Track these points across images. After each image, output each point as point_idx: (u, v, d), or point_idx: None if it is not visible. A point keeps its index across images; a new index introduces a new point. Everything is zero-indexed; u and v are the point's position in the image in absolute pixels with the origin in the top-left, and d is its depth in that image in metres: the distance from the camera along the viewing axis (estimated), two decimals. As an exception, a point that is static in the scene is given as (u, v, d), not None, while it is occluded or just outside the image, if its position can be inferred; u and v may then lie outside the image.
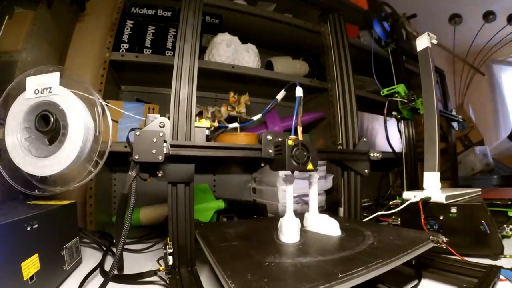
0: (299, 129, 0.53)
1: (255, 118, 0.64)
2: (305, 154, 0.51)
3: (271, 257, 0.40)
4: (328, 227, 0.53)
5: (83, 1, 1.06)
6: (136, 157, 0.46)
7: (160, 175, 0.49)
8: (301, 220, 0.57)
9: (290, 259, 0.40)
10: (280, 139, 0.54)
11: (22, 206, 0.54)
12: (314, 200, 0.58)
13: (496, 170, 1.58)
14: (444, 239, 0.45)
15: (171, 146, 0.48)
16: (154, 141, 0.47)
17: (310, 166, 0.52)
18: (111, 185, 1.17)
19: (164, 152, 0.47)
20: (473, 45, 2.17)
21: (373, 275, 0.34)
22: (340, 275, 0.32)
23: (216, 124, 0.56)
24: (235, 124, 0.59)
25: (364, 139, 0.72)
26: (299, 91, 0.55)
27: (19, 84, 0.60)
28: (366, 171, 0.70)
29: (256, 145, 0.55)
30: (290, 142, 0.50)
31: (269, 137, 0.54)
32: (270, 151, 0.54)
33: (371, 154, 0.70)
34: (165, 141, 0.48)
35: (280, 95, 0.67)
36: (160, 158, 0.47)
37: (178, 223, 0.51)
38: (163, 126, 0.49)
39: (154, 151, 0.46)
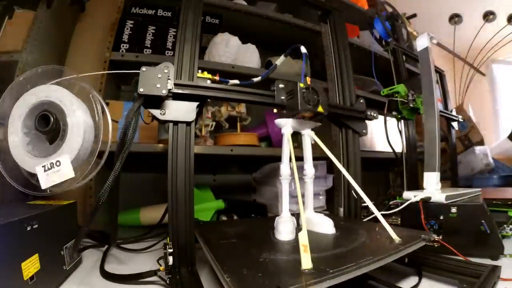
0: (308, 79, 0.56)
1: (256, 80, 0.65)
2: (315, 97, 0.55)
3: (266, 254, 0.41)
4: (323, 225, 0.54)
5: (83, 1, 1.06)
6: (141, 90, 0.48)
7: (162, 113, 0.50)
8: (297, 219, 0.57)
9: (284, 256, 0.41)
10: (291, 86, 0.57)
11: (22, 206, 0.54)
12: (310, 199, 0.59)
13: (496, 170, 1.58)
14: (436, 237, 0.46)
15: (175, 85, 0.50)
16: (159, 76, 0.49)
17: (320, 109, 0.56)
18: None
19: (168, 88, 0.49)
20: (473, 45, 2.17)
21: (363, 271, 0.35)
22: (331, 271, 0.33)
23: (217, 78, 0.56)
24: (236, 81, 0.60)
25: (361, 100, 0.73)
26: (303, 49, 0.61)
27: (19, 84, 0.60)
28: (364, 131, 0.72)
29: (267, 92, 0.58)
30: (301, 85, 0.54)
31: (281, 85, 0.57)
32: (283, 97, 0.56)
33: (368, 113, 0.71)
34: (169, 79, 0.50)
35: (280, 60, 0.70)
36: (163, 92, 0.48)
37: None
38: (168, 68, 0.51)
39: (158, 85, 0.48)
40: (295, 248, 0.44)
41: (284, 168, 0.55)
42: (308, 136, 0.58)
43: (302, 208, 0.46)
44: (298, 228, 0.53)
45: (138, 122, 0.50)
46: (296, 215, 0.56)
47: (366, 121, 0.74)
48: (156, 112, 0.50)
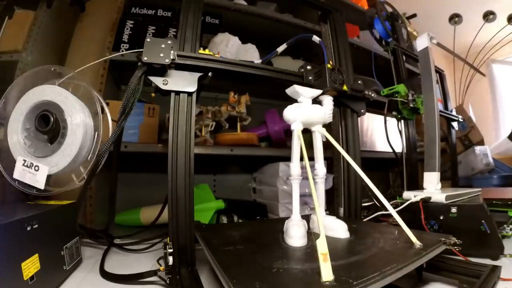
0: (331, 62, 0.64)
1: (256, 62, 0.67)
2: (340, 77, 0.62)
3: (279, 263, 0.37)
4: (336, 229, 0.50)
5: (83, 1, 1.06)
6: (145, 58, 0.49)
7: (164, 83, 0.51)
8: (307, 221, 0.54)
9: (299, 265, 0.38)
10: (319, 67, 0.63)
11: (22, 206, 0.54)
12: (322, 201, 0.56)
13: (496, 170, 1.57)
14: (456, 241, 0.44)
15: (178, 56, 0.52)
16: (163, 47, 0.51)
17: (345, 87, 0.63)
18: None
19: (171, 57, 0.50)
20: (473, 45, 2.17)
21: (388, 281, 0.32)
22: (355, 282, 0.30)
23: (218, 55, 0.57)
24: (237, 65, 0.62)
25: (359, 81, 0.73)
26: (316, 38, 0.71)
27: (19, 85, 0.60)
28: (362, 110, 0.74)
29: (295, 72, 0.64)
30: (329, 66, 0.61)
31: (309, 67, 0.64)
32: (310, 77, 0.62)
33: (366, 92, 0.72)
34: (172, 49, 0.51)
35: (281, 48, 0.74)
36: (166, 61, 0.50)
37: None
38: (171, 40, 0.53)
39: (161, 55, 0.50)
40: (310, 256, 0.41)
41: (295, 167, 0.51)
42: (319, 133, 0.55)
43: (319, 211, 0.42)
44: (309, 232, 0.51)
45: (140, 90, 0.51)
46: (306, 217, 0.54)
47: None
48: (159, 82, 0.51)
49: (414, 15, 1.40)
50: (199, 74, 0.54)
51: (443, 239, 0.44)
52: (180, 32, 0.56)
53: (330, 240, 0.47)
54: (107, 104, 0.69)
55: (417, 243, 0.42)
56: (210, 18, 1.20)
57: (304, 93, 0.55)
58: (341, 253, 0.43)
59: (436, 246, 0.42)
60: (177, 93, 0.53)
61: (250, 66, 0.59)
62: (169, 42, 0.51)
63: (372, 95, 0.73)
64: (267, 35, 1.29)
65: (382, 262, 0.36)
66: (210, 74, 0.56)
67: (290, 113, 0.52)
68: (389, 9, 1.10)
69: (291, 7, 1.37)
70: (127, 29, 1.05)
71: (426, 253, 0.39)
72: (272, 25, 1.24)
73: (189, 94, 0.53)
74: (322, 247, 0.33)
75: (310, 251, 0.44)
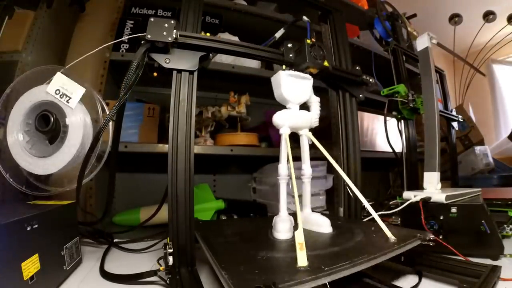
0: (313, 39, 0.61)
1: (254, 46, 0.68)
2: (321, 53, 0.60)
3: (264, 252, 0.42)
4: (320, 224, 0.54)
5: (83, 2, 1.06)
6: (149, 36, 0.51)
7: (167, 61, 0.53)
8: (295, 218, 0.57)
9: (281, 254, 0.43)
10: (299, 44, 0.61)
11: (22, 206, 0.54)
12: (308, 199, 0.60)
13: (496, 170, 1.57)
14: (432, 237, 0.46)
15: (180, 35, 0.53)
16: (166, 26, 0.52)
17: (326, 63, 0.61)
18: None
19: (174, 36, 0.52)
20: (473, 45, 2.17)
21: (357, 269, 0.36)
22: (326, 268, 0.34)
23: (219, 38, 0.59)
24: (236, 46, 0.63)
25: (357, 67, 0.74)
26: (305, 18, 0.69)
27: (19, 85, 0.60)
28: (361, 95, 0.74)
29: (276, 50, 0.62)
30: (308, 41, 0.59)
31: (290, 45, 0.61)
32: (291, 55, 0.61)
33: (364, 77, 0.73)
34: (175, 29, 0.52)
35: (279, 33, 0.74)
36: (169, 39, 0.51)
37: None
38: (174, 21, 0.54)
39: (164, 33, 0.51)
40: (292, 247, 0.44)
41: (282, 168, 0.55)
42: (306, 136, 0.59)
43: (299, 207, 0.47)
44: (296, 227, 0.54)
45: (143, 66, 0.52)
46: (294, 214, 0.56)
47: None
48: (161, 60, 0.52)
49: (414, 15, 1.40)
50: (201, 53, 0.55)
51: (418, 234, 0.47)
52: (181, 29, 0.57)
53: (314, 234, 0.53)
54: (107, 104, 0.69)
55: (391, 237, 0.46)
56: (210, 18, 1.20)
57: (292, 99, 0.58)
58: (321, 245, 0.47)
59: (410, 241, 0.45)
60: (179, 71, 0.54)
61: (250, 47, 0.61)
62: (172, 21, 0.52)
63: (370, 80, 0.73)
64: (267, 35, 1.29)
65: (355, 253, 0.39)
66: (211, 55, 0.57)
67: (278, 118, 0.56)
68: (389, 9, 1.10)
69: (291, 7, 1.37)
70: (127, 29, 1.05)
71: (398, 247, 0.42)
72: (272, 25, 1.23)
73: (191, 72, 0.55)
74: (299, 237, 0.38)
75: (293, 243, 0.48)
